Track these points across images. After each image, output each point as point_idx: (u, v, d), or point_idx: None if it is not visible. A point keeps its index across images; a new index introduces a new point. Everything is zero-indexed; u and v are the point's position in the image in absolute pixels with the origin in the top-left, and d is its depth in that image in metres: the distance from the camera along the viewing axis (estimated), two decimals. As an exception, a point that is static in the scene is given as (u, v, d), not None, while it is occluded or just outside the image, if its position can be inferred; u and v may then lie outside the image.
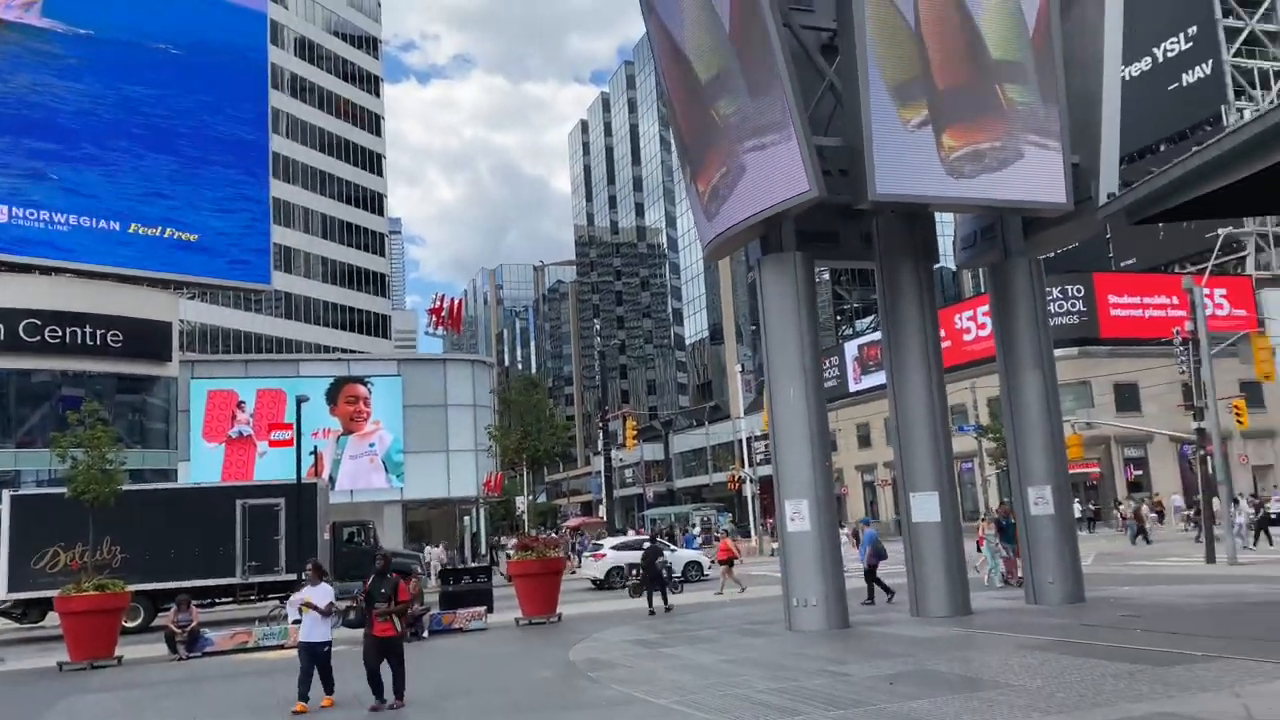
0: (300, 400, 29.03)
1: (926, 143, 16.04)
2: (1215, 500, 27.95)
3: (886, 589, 20.29)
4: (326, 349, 68.08)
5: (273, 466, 41.37)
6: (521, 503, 56.56)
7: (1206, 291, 28.39)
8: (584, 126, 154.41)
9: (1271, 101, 66.28)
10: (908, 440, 17.75)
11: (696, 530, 56.81)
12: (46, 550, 24.11)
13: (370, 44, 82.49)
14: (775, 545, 44.76)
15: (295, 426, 28.81)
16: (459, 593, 21.90)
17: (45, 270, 44.95)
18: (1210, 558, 25.69)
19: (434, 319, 49.71)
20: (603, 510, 63.70)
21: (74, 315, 43.49)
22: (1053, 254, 20.73)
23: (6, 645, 24.03)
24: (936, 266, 22.90)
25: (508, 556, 40.01)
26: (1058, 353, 21.90)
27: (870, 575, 20.44)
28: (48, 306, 43.95)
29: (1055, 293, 48.58)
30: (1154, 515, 37.90)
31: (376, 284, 79.54)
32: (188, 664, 17.85)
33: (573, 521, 75.85)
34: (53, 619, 22.85)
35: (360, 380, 46.25)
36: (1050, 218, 17.65)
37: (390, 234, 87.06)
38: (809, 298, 17.35)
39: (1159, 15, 70.98)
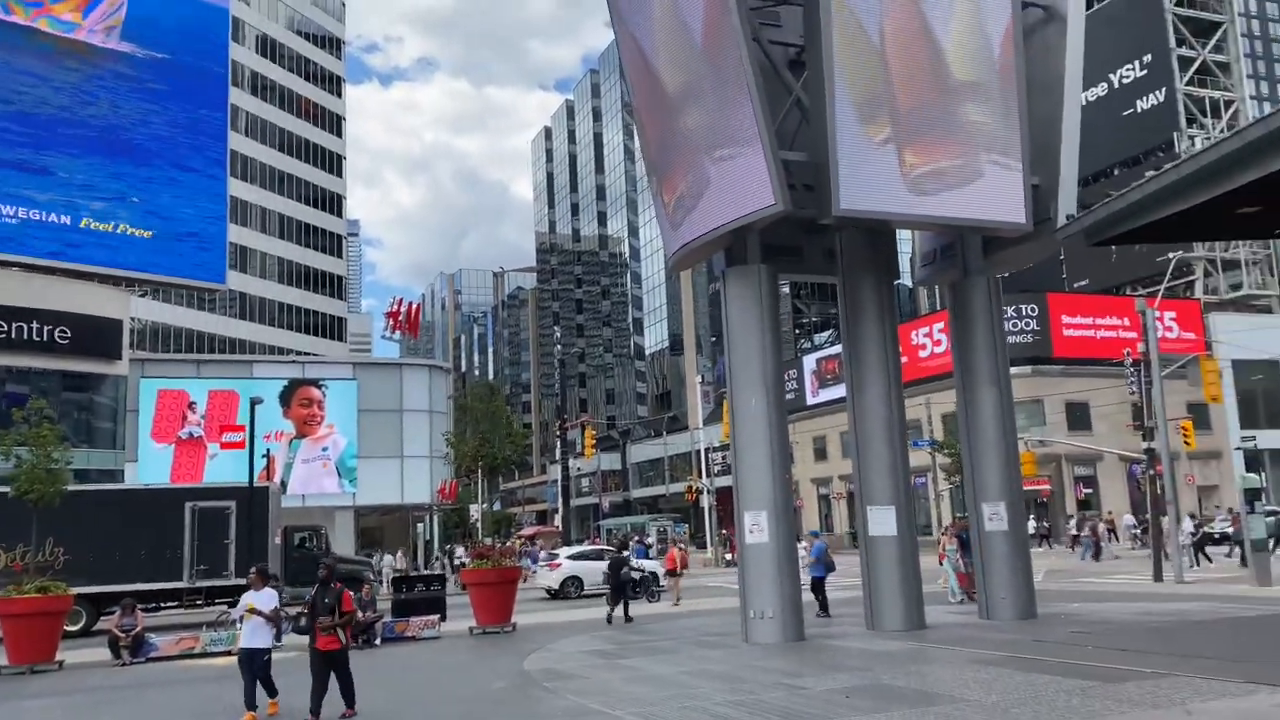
0: (254, 402, 28.58)
1: (890, 160, 16.19)
2: (1163, 519, 28.47)
3: (824, 606, 20.16)
4: (280, 350, 67.18)
5: (223, 469, 40.70)
6: (476, 510, 56.25)
7: (1157, 314, 28.93)
8: (547, 133, 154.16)
9: (1222, 130, 68.02)
10: (866, 455, 17.86)
11: (651, 540, 56.72)
12: (-13, 551, 23.45)
13: (333, 44, 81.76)
14: (729, 557, 44.94)
15: (248, 428, 28.35)
16: (412, 601, 21.67)
17: (-9, 264, 43.85)
18: (1158, 576, 26.16)
19: (391, 323, 49.28)
20: (559, 519, 63.45)
21: (20, 310, 42.39)
22: (1008, 273, 21.03)
23: (-59, 648, 23.34)
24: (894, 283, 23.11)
25: (459, 565, 39.72)
26: (1011, 371, 22.19)
27: (818, 587, 20.39)
28: (-8, 301, 42.83)
29: (1010, 312, 49.29)
30: (1110, 533, 38.59)
31: (333, 286, 78.69)
32: (131, 670, 17.45)
33: (528, 530, 75.48)
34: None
35: (315, 383, 45.69)
36: (1010, 237, 17.89)
37: (348, 236, 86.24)
38: (773, 310, 17.43)
39: (1115, 42, 72.61)
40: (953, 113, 16.74)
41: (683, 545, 38.63)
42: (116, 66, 45.97)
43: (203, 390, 43.87)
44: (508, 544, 42.45)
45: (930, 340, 54.98)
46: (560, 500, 58.90)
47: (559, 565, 32.04)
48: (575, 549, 36.49)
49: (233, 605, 20.85)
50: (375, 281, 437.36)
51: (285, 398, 44.68)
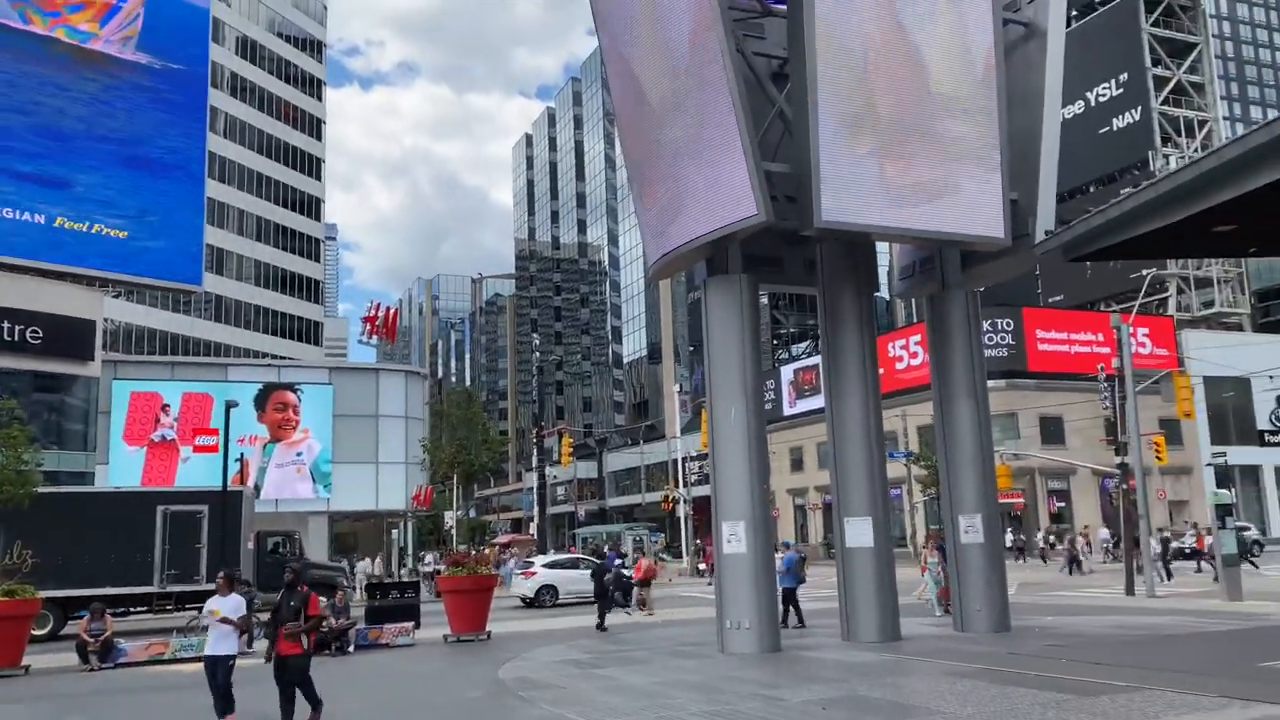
0: (229, 405, 28.33)
1: (871, 172, 16.27)
2: (1136, 533, 28.70)
3: (794, 616, 20.12)
4: (256, 354, 66.65)
5: (196, 472, 40.35)
6: (450, 517, 55.93)
7: (1131, 330, 29.22)
8: (528, 140, 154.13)
9: (1196, 150, 68.91)
10: (843, 466, 17.90)
11: (627, 549, 56.55)
12: (-48, 553, 23.07)
13: (314, 46, 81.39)
14: (701, 567, 44.87)
15: (222, 432, 28.09)
16: (386, 608, 21.52)
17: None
18: (1130, 589, 26.36)
19: (368, 327, 48.99)
20: (534, 527, 63.18)
21: (-10, 310, 41.87)
22: (984, 287, 21.24)
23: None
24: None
25: (432, 574, 39.43)
26: (987, 384, 22.32)
27: (789, 598, 20.38)
28: (-39, 300, 42.25)
29: (985, 325, 49.57)
30: (1085, 546, 38.90)
31: (310, 290, 78.19)
32: (100, 675, 17.19)
33: (503, 538, 75.12)
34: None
35: (290, 387, 45.38)
36: (988, 252, 18.01)
37: (326, 239, 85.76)
38: (753, 320, 17.44)
39: (1092, 61, 73.45)
40: (934, 127, 16.85)
41: (661, 556, 38.53)
42: (105, 65, 45.61)
43: (176, 393, 43.48)
44: (484, 551, 42.23)
45: (907, 352, 55.29)
46: (536, 508, 58.66)
47: (534, 573, 31.88)
48: (550, 557, 36.35)
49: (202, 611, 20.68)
50: (353, 286, 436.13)
51: (260, 401, 44.35)
